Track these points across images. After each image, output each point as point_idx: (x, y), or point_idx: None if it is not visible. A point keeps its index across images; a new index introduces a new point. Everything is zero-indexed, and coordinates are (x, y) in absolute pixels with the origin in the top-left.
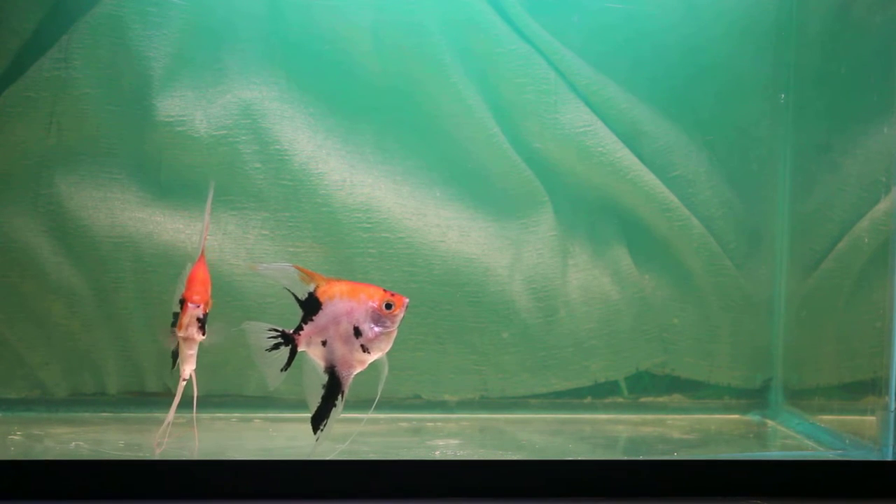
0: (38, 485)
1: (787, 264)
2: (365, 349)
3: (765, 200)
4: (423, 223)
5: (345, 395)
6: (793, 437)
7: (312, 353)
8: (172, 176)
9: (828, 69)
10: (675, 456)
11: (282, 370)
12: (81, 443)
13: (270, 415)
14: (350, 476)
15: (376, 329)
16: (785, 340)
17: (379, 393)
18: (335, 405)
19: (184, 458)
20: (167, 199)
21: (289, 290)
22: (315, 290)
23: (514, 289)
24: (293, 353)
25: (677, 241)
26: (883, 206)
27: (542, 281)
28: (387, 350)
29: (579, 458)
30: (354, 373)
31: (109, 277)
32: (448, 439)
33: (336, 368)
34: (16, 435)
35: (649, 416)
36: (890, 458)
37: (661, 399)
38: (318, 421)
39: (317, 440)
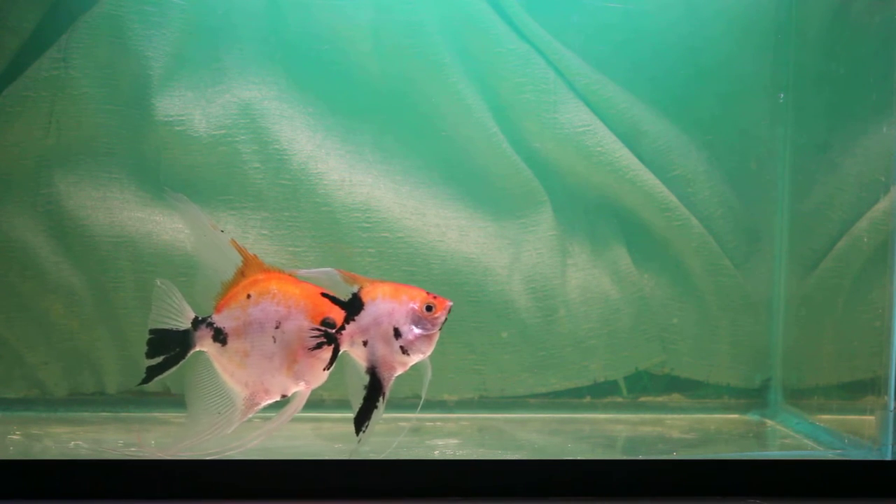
0: (38, 485)
1: (786, 264)
2: (404, 351)
3: (764, 200)
4: (423, 223)
5: (386, 396)
6: (792, 437)
7: (354, 353)
8: (171, 175)
9: (827, 69)
10: (675, 456)
11: (324, 369)
12: (81, 442)
13: (270, 415)
14: (349, 476)
15: (416, 331)
16: (784, 340)
17: (423, 396)
18: (377, 407)
19: (184, 458)
20: (166, 199)
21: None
22: (359, 291)
23: (513, 288)
24: (336, 352)
25: (677, 240)
26: (882, 205)
27: (542, 280)
28: (428, 353)
29: (578, 458)
30: (395, 374)
31: (108, 277)
32: (447, 439)
33: (377, 369)
34: (15, 434)
35: (648, 416)
36: (889, 457)
37: (660, 399)
38: (360, 422)
39: (359, 441)
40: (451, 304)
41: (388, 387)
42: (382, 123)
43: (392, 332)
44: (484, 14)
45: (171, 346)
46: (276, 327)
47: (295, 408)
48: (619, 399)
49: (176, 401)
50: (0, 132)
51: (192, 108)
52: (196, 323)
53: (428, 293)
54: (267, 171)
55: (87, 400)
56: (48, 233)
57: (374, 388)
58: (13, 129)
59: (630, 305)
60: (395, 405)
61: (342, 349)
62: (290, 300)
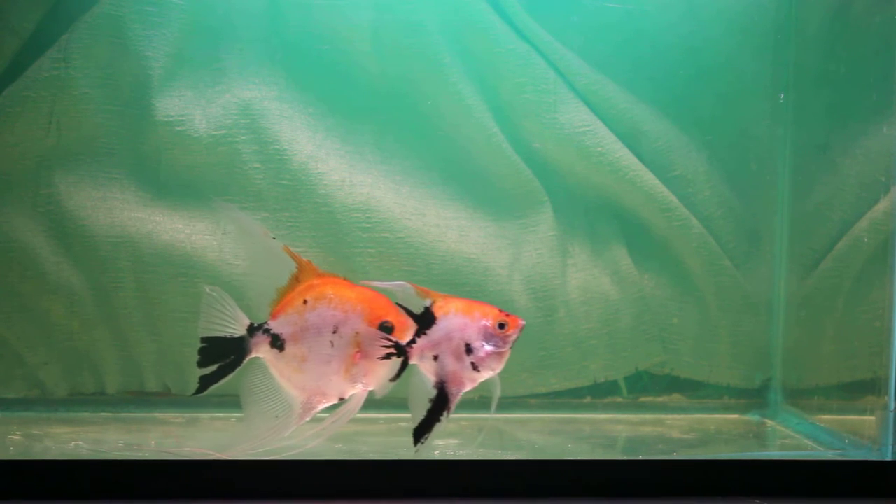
0: (38, 485)
1: (786, 264)
2: (475, 367)
3: (764, 200)
4: (423, 223)
5: (451, 411)
6: (792, 437)
7: (424, 367)
8: (171, 175)
9: (828, 69)
10: (675, 456)
11: (391, 380)
12: (81, 443)
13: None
14: (350, 476)
15: (488, 348)
16: (784, 340)
17: (493, 409)
18: (439, 420)
19: (183, 459)
20: (166, 199)
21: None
22: (431, 306)
23: (513, 288)
24: (405, 364)
25: (677, 240)
26: (882, 205)
27: (542, 281)
28: (498, 370)
29: (579, 458)
30: (464, 391)
31: (109, 277)
32: (447, 439)
33: (446, 385)
34: (15, 435)
35: (649, 416)
36: (889, 457)
37: (660, 399)
38: (420, 433)
39: (416, 452)
40: (523, 322)
41: (455, 402)
42: (382, 124)
43: (463, 348)
44: (484, 14)
45: (225, 354)
46: (334, 332)
47: (352, 409)
48: (620, 399)
49: (176, 401)
50: (0, 132)
51: (192, 109)
52: (252, 330)
53: (500, 311)
54: (267, 172)
55: (87, 400)
56: (48, 233)
57: (441, 403)
58: (13, 129)
59: (630, 305)
60: (395, 405)
61: (412, 362)
62: (347, 304)
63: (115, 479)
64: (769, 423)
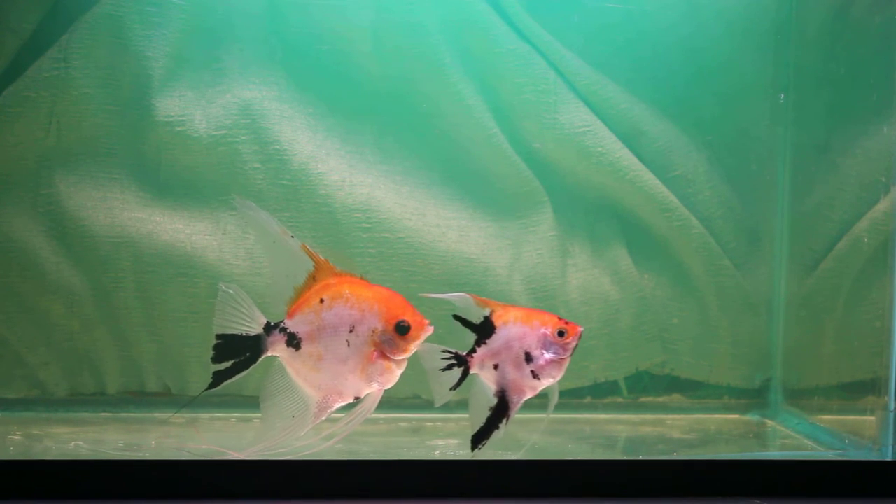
0: (38, 485)
1: (786, 264)
2: (535, 375)
3: (764, 200)
4: (423, 223)
5: (510, 419)
6: (792, 437)
7: (484, 376)
8: (172, 176)
9: (828, 69)
10: (675, 456)
11: (451, 389)
12: (81, 443)
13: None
14: (350, 476)
15: (547, 356)
16: (784, 340)
17: (548, 416)
18: (498, 428)
19: (184, 459)
20: (166, 199)
21: (459, 318)
22: (490, 315)
23: (513, 289)
24: (465, 374)
25: (677, 241)
26: (882, 206)
27: (542, 281)
28: (558, 378)
29: (579, 458)
30: (524, 399)
31: (109, 277)
32: (447, 439)
33: (506, 393)
34: (15, 435)
35: (649, 416)
36: (889, 458)
37: (660, 399)
38: (478, 440)
39: (472, 455)
40: (581, 329)
41: (515, 410)
42: (383, 124)
43: (523, 357)
44: (484, 14)
45: (240, 352)
46: (350, 331)
47: (367, 409)
48: (620, 399)
49: (175, 401)
50: (0, 132)
51: (192, 109)
52: (269, 328)
53: (560, 318)
54: (267, 172)
55: (88, 400)
56: (49, 233)
57: (501, 411)
58: (13, 129)
59: (630, 306)
60: (395, 405)
61: (472, 371)
62: (364, 303)
63: (116, 479)
64: (769, 423)
